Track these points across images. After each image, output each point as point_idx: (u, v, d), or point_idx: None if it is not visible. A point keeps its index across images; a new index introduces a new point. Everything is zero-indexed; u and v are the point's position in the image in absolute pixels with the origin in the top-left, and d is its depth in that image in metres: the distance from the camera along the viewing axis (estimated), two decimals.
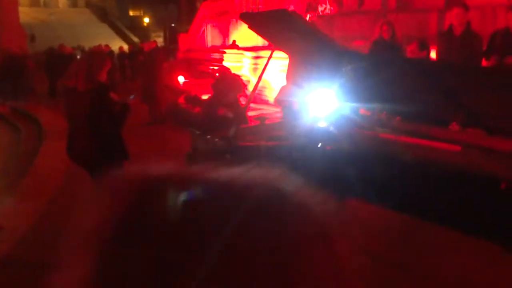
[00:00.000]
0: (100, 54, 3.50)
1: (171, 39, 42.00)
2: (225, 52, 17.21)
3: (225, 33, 22.28)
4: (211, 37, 24.32)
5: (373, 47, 5.72)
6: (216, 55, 20.54)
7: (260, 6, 21.11)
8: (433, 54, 5.53)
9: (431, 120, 3.17)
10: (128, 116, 3.40)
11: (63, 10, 53.31)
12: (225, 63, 16.93)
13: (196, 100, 9.32)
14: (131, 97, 3.52)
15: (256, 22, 2.94)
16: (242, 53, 15.28)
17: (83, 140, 3.24)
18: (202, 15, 25.58)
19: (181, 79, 15.38)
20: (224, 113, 3.44)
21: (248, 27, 3.04)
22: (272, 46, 3.06)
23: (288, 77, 4.56)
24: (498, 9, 8.95)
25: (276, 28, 2.77)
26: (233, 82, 3.52)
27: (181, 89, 13.66)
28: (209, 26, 24.54)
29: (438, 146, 2.88)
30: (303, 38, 2.70)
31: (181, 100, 10.36)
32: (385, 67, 3.08)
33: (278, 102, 4.95)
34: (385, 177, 2.78)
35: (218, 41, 23.02)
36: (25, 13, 42.53)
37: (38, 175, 5.84)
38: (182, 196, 0.40)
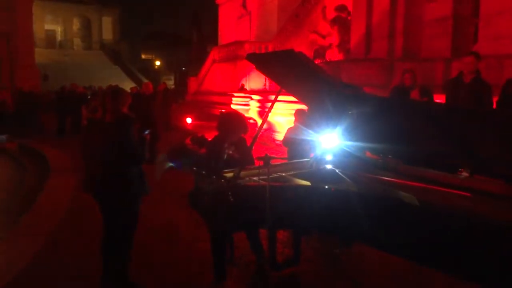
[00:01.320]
0: (122, 89, 3.52)
1: (181, 82, 42.94)
2: (233, 96, 17.45)
3: (234, 77, 22.69)
4: (220, 81, 24.77)
5: (393, 93, 5.88)
6: (223, 99, 20.85)
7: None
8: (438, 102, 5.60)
9: (438, 166, 3.12)
10: (145, 150, 3.40)
11: (78, 52, 54.89)
12: (233, 106, 17.15)
13: (203, 141, 9.35)
14: (146, 132, 3.52)
15: (263, 63, 2.96)
16: (249, 96, 15.48)
17: (102, 175, 3.20)
18: (212, 59, 26.18)
19: (188, 120, 15.56)
20: (230, 153, 3.41)
21: (255, 67, 3.07)
22: (279, 87, 3.06)
23: (295, 118, 4.58)
24: (505, 60, 9.06)
25: (283, 68, 2.79)
26: (238, 121, 3.52)
27: (188, 130, 13.77)
28: (218, 70, 25.05)
29: (446, 191, 2.82)
30: (309, 80, 2.71)
31: (187, 140, 10.42)
32: (392, 111, 3.06)
33: (284, 143, 4.92)
34: (391, 221, 2.70)
35: (226, 85, 23.42)
36: (41, 54, 43.77)
37: (39, 212, 5.78)
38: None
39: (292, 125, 4.82)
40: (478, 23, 10.72)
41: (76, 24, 57.32)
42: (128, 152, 3.15)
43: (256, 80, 19.78)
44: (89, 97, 16.72)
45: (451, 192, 2.89)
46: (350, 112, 3.29)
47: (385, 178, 3.26)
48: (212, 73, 26.13)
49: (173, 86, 40.97)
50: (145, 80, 46.60)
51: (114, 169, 3.18)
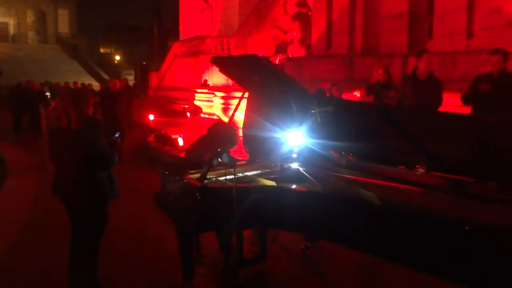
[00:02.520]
0: (83, 89, 3.46)
1: (142, 77, 42.19)
2: (196, 92, 17.35)
3: (196, 72, 22.52)
4: (182, 76, 24.54)
5: (369, 89, 6.02)
6: (186, 94, 20.69)
7: (229, 48, 21.61)
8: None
9: (396, 163, 3.27)
10: (115, 153, 3.37)
11: (33, 46, 52.85)
12: (196, 102, 17.06)
13: (166, 139, 9.30)
14: (116, 135, 3.49)
15: (227, 66, 3.01)
16: (213, 93, 15.44)
17: (72, 178, 3.16)
18: (174, 54, 25.88)
19: (151, 117, 15.35)
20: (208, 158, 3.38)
21: (219, 70, 3.11)
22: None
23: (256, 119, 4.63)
24: (458, 56, 9.46)
25: (247, 72, 2.84)
26: (232, 135, 3.49)
27: (151, 127, 13.60)
28: (180, 65, 24.80)
29: (403, 187, 2.96)
30: (272, 83, 2.78)
31: (150, 138, 10.31)
32: (351, 110, 3.18)
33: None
34: (351, 218, 2.81)
35: (189, 80, 23.23)
36: None
37: None
38: None
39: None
40: (433, 20, 11.11)
41: (30, 17, 55.11)
42: (98, 157, 3.13)
43: (219, 76, 19.71)
44: (46, 93, 16.22)
45: (408, 188, 3.04)
46: (312, 111, 3.40)
47: (347, 176, 3.38)
48: (174, 68, 25.83)
49: (133, 81, 40.19)
50: (105, 75, 45.63)
51: (83, 172, 3.15)
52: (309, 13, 16.91)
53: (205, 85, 18.58)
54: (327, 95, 5.90)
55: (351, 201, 2.83)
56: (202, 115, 15.80)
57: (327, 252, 4.14)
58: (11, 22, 54.26)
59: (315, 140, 3.67)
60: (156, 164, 8.42)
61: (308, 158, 3.66)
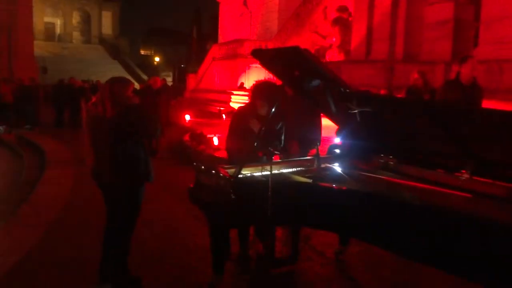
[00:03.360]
0: (120, 78, 3.53)
1: (180, 78, 42.89)
2: (233, 94, 17.44)
3: (233, 75, 22.67)
4: (219, 78, 24.76)
5: (408, 94, 5.87)
6: (222, 96, 20.84)
7: None
8: None
9: (439, 167, 3.13)
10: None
11: (77, 46, 54.71)
12: (232, 104, 17.15)
13: (201, 138, 9.36)
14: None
15: (267, 59, 2.96)
16: (249, 95, 15.44)
17: (109, 160, 3.25)
18: (212, 57, 26.16)
19: (187, 117, 15.52)
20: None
21: (259, 63, 3.07)
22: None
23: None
24: (504, 64, 9.11)
25: (287, 66, 2.79)
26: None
27: (187, 127, 13.74)
28: (217, 68, 25.04)
29: (448, 192, 2.82)
30: (314, 77, 2.71)
31: (186, 137, 10.41)
32: (394, 110, 3.07)
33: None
34: (391, 220, 2.70)
35: (225, 83, 23.42)
36: (40, 47, 43.67)
37: (37, 203, 5.76)
38: None
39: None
40: (479, 27, 10.77)
41: (75, 18, 57.12)
42: (139, 133, 3.25)
43: (255, 78, 19.80)
44: (89, 91, 16.68)
45: (451, 193, 2.89)
46: (351, 112, 3.30)
47: (387, 178, 3.26)
48: (211, 71, 26.10)
49: (171, 83, 40.88)
50: (144, 76, 46.61)
51: (119, 154, 3.23)
52: (349, 19, 16.71)
53: (241, 87, 18.65)
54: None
55: (391, 202, 2.72)
56: None
57: (360, 257, 4.03)
58: (58, 23, 56.36)
59: (354, 141, 3.58)
60: (191, 161, 8.50)
61: (346, 159, 3.57)
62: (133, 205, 3.37)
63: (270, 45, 21.58)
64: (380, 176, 3.24)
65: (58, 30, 56.50)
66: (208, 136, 9.28)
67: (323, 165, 3.48)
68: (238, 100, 16.48)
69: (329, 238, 4.19)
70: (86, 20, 57.43)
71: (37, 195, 6.15)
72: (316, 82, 2.75)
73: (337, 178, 3.27)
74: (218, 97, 21.40)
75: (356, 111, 3.20)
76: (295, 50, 2.51)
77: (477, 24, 11.30)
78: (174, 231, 4.83)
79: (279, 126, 3.56)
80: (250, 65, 20.44)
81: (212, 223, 3.16)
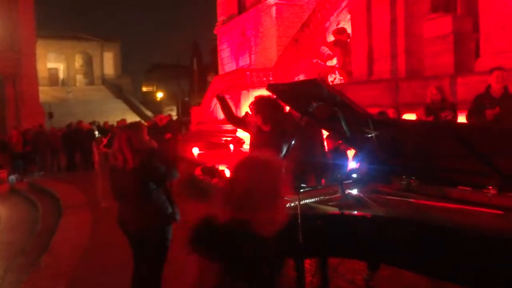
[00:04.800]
0: (134, 124, 3.56)
1: (184, 112, 43.27)
2: None
3: (236, 105, 22.81)
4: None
5: (427, 111, 5.70)
6: (228, 127, 20.91)
7: (270, 78, 21.84)
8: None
9: (464, 185, 3.09)
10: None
11: (80, 88, 55.54)
12: (238, 134, 17.19)
13: (214, 171, 9.35)
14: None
15: (283, 93, 2.99)
16: None
17: (134, 208, 3.25)
18: (214, 89, 26.41)
19: (195, 150, 15.53)
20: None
21: (276, 97, 3.09)
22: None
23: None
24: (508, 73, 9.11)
25: (305, 98, 2.80)
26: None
27: (196, 161, 13.75)
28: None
29: (477, 210, 2.78)
30: (333, 108, 2.72)
31: (197, 171, 10.40)
32: (413, 132, 3.06)
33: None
34: (424, 243, 2.66)
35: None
36: (45, 92, 44.35)
37: (57, 252, 5.74)
38: None
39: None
40: (479, 39, 10.83)
41: (78, 61, 58.20)
42: (157, 179, 3.21)
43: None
44: (95, 132, 16.86)
45: (481, 211, 2.85)
46: (368, 135, 3.29)
47: (411, 200, 3.22)
48: (214, 102, 26.30)
49: (176, 117, 41.22)
50: (148, 112, 47.07)
51: (144, 200, 3.22)
52: (348, 41, 16.89)
53: (247, 116, 18.71)
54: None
55: (422, 225, 2.68)
56: (245, 146, 15.87)
57: (391, 281, 3.95)
58: (61, 67, 57.43)
59: (375, 164, 3.56)
60: (205, 196, 8.46)
61: (367, 183, 3.54)
62: (162, 247, 3.35)
63: (271, 73, 21.83)
64: (405, 199, 3.21)
65: (61, 75, 57.51)
66: (221, 168, 9.27)
67: (345, 192, 3.45)
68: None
69: (358, 265, 4.13)
70: (88, 62, 58.48)
71: (56, 244, 6.13)
72: (334, 110, 2.76)
73: (362, 204, 3.23)
74: (223, 127, 21.49)
75: (374, 134, 3.20)
76: (313, 82, 2.53)
77: (477, 36, 11.37)
78: (194, 269, 4.77)
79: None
80: (252, 92, 20.62)
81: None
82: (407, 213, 2.89)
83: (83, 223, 7.17)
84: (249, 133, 3.88)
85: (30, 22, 28.35)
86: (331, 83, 17.05)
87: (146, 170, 3.19)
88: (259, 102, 3.63)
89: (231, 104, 4.11)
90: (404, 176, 3.48)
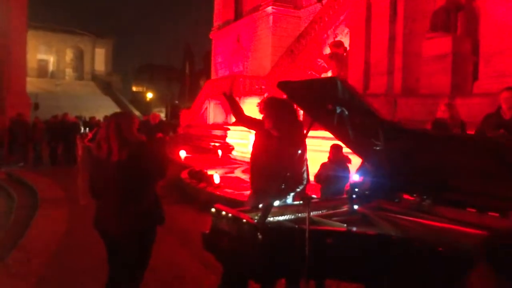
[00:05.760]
0: (126, 113, 3.22)
1: (173, 114, 42.79)
2: (229, 129, 17.20)
3: (227, 111, 22.52)
4: (213, 114, 24.61)
5: (434, 127, 5.42)
6: (217, 132, 20.59)
7: (263, 87, 21.62)
8: None
9: (484, 209, 2.83)
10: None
11: (69, 82, 54.75)
12: (228, 140, 16.88)
13: (201, 176, 9.01)
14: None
15: (296, 92, 2.70)
16: (249, 131, 15.22)
17: (117, 209, 2.88)
18: (205, 93, 26.09)
19: (182, 153, 15.18)
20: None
21: (287, 97, 2.81)
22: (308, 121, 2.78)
23: (330, 154, 4.27)
24: None
25: (319, 99, 2.52)
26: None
27: (182, 164, 13.39)
28: (211, 104, 24.93)
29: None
30: (353, 113, 2.44)
31: (184, 175, 10.04)
32: (430, 145, 2.79)
33: (318, 179, 4.60)
34: (429, 266, 2.38)
35: (220, 119, 23.25)
36: (32, 83, 43.48)
37: (28, 249, 5.33)
38: None
39: (326, 160, 4.55)
40: (478, 61, 10.76)
41: (69, 55, 57.42)
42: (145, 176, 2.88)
43: (250, 113, 19.62)
44: (82, 127, 16.41)
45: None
46: (377, 148, 3.03)
47: (421, 220, 2.95)
48: (205, 106, 25.98)
49: (165, 119, 40.78)
50: (136, 112, 46.48)
51: (129, 202, 2.87)
52: (345, 54, 16.78)
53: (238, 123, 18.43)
54: None
55: (426, 247, 2.41)
56: (234, 152, 15.54)
57: None
58: (51, 60, 56.55)
59: (380, 178, 3.29)
60: (190, 200, 8.13)
61: (374, 200, 3.27)
62: (144, 252, 3.01)
63: (264, 81, 21.63)
64: (416, 219, 2.93)
65: (51, 67, 56.63)
66: (209, 173, 8.94)
67: (349, 207, 3.17)
68: (235, 136, 16.23)
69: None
70: (79, 57, 57.73)
71: (28, 239, 5.72)
72: (350, 115, 2.48)
73: (368, 221, 2.95)
74: (212, 132, 21.19)
75: (382, 148, 2.93)
76: (333, 81, 2.26)
77: (475, 58, 11.30)
78: (179, 278, 4.44)
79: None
80: (244, 100, 20.36)
81: (232, 276, 2.80)
82: (414, 234, 2.62)
83: (59, 220, 6.77)
84: (255, 134, 3.54)
85: (22, 10, 27.74)
86: None
87: (133, 164, 2.85)
88: (270, 103, 3.33)
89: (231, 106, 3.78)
90: (414, 194, 3.21)
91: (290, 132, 3.23)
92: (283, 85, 2.67)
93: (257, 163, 3.51)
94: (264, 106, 3.38)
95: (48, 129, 14.43)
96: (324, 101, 2.46)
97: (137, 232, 2.92)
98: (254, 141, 3.56)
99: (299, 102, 2.87)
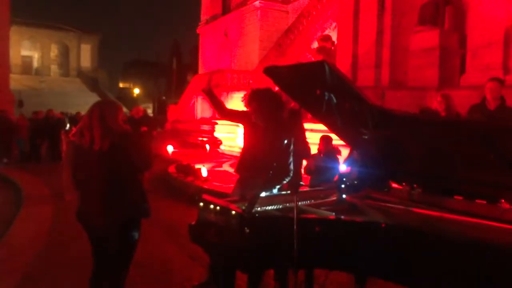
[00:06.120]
0: (111, 101, 3.12)
1: (160, 110, 42.47)
2: (216, 123, 17.11)
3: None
4: (201, 109, 24.46)
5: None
6: (205, 127, 20.48)
7: (251, 81, 21.53)
8: None
9: (473, 196, 2.80)
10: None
11: (54, 79, 53.93)
12: (216, 134, 16.79)
13: (188, 170, 8.93)
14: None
15: (283, 77, 2.63)
16: (237, 124, 15.15)
17: (100, 200, 2.79)
18: (193, 88, 25.92)
19: (170, 148, 15.05)
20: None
21: (273, 82, 2.74)
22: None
23: (320, 145, 4.22)
24: None
25: (307, 85, 2.46)
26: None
27: (170, 158, 13.29)
28: (199, 99, 24.77)
29: (491, 224, 2.49)
30: (342, 98, 2.38)
31: (171, 169, 9.95)
32: (421, 131, 2.74)
33: (307, 171, 4.54)
34: (427, 257, 2.35)
35: (207, 113, 23.11)
36: (16, 80, 42.78)
37: (11, 245, 5.21)
38: None
39: (315, 151, 4.50)
40: (466, 54, 10.80)
41: (54, 51, 56.55)
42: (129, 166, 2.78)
43: (236, 108, 19.53)
44: (68, 123, 16.15)
45: (491, 225, 2.56)
46: (365, 137, 2.98)
47: (412, 208, 2.91)
48: (192, 101, 25.82)
49: (152, 115, 40.47)
50: (124, 108, 46.07)
51: (112, 193, 2.78)
52: (332, 48, 16.76)
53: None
54: None
55: (418, 234, 2.38)
56: (222, 147, 15.45)
57: None
58: (35, 56, 55.67)
59: (369, 167, 3.25)
60: (177, 194, 8.04)
61: (361, 188, 3.23)
62: (128, 246, 2.92)
63: (252, 75, 21.54)
64: (406, 207, 2.89)
65: (35, 64, 55.75)
66: (196, 167, 8.86)
67: (340, 197, 3.13)
68: (222, 130, 16.14)
69: (343, 277, 3.80)
70: (64, 53, 56.91)
71: (12, 236, 5.59)
72: (339, 101, 2.42)
73: (358, 210, 2.91)
74: (200, 127, 21.06)
75: (383, 131, 2.88)
76: (321, 64, 2.19)
77: (463, 51, 11.35)
78: (168, 272, 4.36)
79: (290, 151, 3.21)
80: (232, 94, 20.26)
81: (219, 267, 2.74)
82: (411, 223, 2.58)
83: (44, 216, 6.63)
84: (243, 126, 3.49)
85: (4, 5, 27.21)
86: None
87: (116, 154, 2.76)
88: (253, 95, 3.27)
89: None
90: (404, 183, 3.18)
91: (276, 122, 3.18)
92: (269, 71, 2.60)
93: (245, 154, 3.46)
94: (248, 99, 3.33)
95: (31, 126, 14.14)
96: (312, 86, 2.41)
97: (120, 224, 2.83)
98: (244, 133, 3.52)
99: (286, 88, 2.80)
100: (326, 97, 2.45)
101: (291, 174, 3.23)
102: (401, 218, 2.66)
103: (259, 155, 3.27)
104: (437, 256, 2.32)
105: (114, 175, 2.79)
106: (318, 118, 2.80)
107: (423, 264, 2.36)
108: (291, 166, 3.33)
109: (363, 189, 3.25)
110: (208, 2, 31.62)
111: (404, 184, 3.17)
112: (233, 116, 3.66)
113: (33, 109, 21.28)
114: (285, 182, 3.29)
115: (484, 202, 2.68)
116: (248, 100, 3.36)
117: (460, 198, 2.93)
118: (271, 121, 3.23)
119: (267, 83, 3.19)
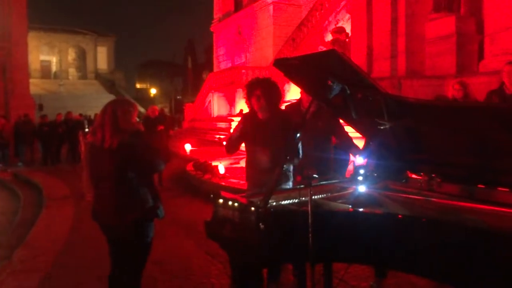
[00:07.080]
0: (125, 100, 3.12)
1: (177, 109, 42.75)
2: (233, 120, 17.12)
3: (231, 103, 22.42)
4: (217, 107, 24.50)
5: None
6: (222, 124, 20.50)
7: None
8: None
9: (494, 184, 2.72)
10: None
11: (73, 82, 54.78)
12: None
13: (206, 167, 8.94)
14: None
15: (293, 68, 2.58)
16: None
17: (112, 199, 2.80)
18: (208, 86, 25.97)
19: (187, 147, 15.16)
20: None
21: (284, 74, 2.69)
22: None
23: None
24: None
25: (318, 75, 2.41)
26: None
27: (188, 157, 13.37)
28: (215, 96, 24.81)
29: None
30: (355, 88, 2.32)
31: (189, 167, 9.99)
32: (438, 118, 2.66)
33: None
34: (442, 246, 2.28)
35: (224, 111, 23.14)
36: (36, 85, 43.57)
37: (33, 246, 5.29)
38: None
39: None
40: (483, 40, 10.55)
41: (71, 55, 57.41)
42: (141, 168, 2.78)
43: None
44: (86, 125, 16.37)
45: None
46: (380, 127, 2.92)
47: (434, 199, 2.83)
48: (208, 99, 25.88)
49: (169, 114, 40.76)
50: (141, 109, 46.47)
51: (124, 192, 2.78)
52: (347, 40, 16.57)
53: (241, 114, 18.35)
54: None
55: (439, 225, 2.31)
56: None
57: None
58: (54, 60, 56.60)
59: (386, 158, 3.18)
60: (195, 191, 8.07)
61: (379, 180, 3.16)
62: (142, 245, 2.92)
63: (266, 71, 21.45)
64: (427, 198, 2.82)
65: (54, 68, 56.68)
66: (214, 164, 8.86)
67: (355, 188, 3.07)
68: None
69: (363, 271, 3.75)
70: (82, 56, 57.70)
71: (34, 237, 5.68)
72: (354, 90, 2.37)
73: (376, 202, 2.85)
74: (216, 125, 21.10)
75: (387, 126, 2.82)
76: (332, 53, 2.14)
77: (480, 37, 11.09)
78: (186, 269, 4.36)
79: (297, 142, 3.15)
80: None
81: (237, 263, 2.72)
82: (431, 214, 2.51)
83: (65, 216, 6.73)
84: (245, 138, 3.41)
85: (22, 11, 27.67)
86: None
87: (125, 153, 2.75)
88: (257, 81, 3.21)
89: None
90: (422, 173, 3.10)
91: (280, 112, 3.13)
92: (279, 63, 2.55)
93: (251, 156, 3.41)
94: (250, 87, 3.26)
95: (35, 130, 14.34)
96: (323, 76, 2.36)
97: (132, 224, 2.82)
98: (246, 137, 3.42)
99: (296, 79, 2.76)
100: (339, 88, 2.40)
101: (299, 157, 3.17)
102: (420, 209, 2.60)
103: (267, 151, 3.23)
104: (458, 247, 2.25)
105: (123, 174, 2.79)
106: (330, 108, 2.74)
107: (444, 256, 2.30)
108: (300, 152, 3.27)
109: (381, 181, 3.19)
110: (220, 0, 31.61)
111: (422, 174, 3.09)
112: (239, 141, 3.54)
113: (53, 113, 21.64)
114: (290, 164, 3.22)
115: (506, 189, 2.59)
116: (249, 88, 3.29)
117: (481, 186, 2.85)
118: (274, 109, 3.19)
119: (281, 78, 3.14)
